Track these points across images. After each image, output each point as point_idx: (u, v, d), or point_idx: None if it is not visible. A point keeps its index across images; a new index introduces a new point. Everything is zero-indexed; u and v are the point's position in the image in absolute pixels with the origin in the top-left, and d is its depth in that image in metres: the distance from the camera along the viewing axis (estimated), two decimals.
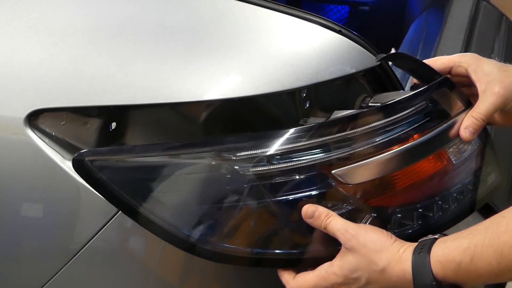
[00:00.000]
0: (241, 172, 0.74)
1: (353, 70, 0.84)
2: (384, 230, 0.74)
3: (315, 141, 0.75)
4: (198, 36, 0.82)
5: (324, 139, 0.75)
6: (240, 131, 0.85)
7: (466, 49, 1.39)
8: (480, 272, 0.67)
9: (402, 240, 0.73)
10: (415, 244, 0.72)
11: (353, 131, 0.75)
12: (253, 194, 0.75)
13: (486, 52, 1.44)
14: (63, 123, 0.79)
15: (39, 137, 0.77)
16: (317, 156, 0.75)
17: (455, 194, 0.83)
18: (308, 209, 0.75)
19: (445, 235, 0.73)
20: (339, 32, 0.84)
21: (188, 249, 0.77)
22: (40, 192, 0.79)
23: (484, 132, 0.85)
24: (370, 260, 0.72)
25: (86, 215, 0.78)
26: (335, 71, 0.82)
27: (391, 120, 0.77)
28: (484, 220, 0.68)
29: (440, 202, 0.81)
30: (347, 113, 0.78)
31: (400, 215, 0.79)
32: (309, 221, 0.75)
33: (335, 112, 0.80)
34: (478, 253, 0.66)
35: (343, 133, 0.75)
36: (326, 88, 0.87)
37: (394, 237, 0.74)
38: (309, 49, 0.82)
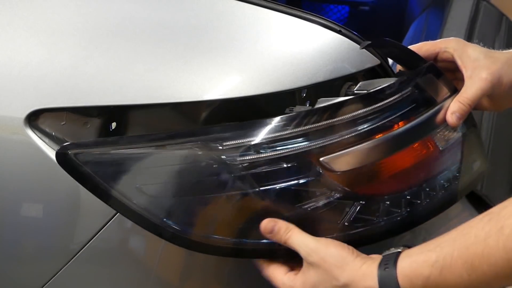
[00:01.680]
0: (228, 162, 0.73)
1: (353, 70, 0.84)
2: (345, 245, 0.72)
3: (302, 129, 0.74)
4: (198, 36, 0.82)
5: (311, 127, 0.74)
6: None
7: None
8: (449, 284, 0.65)
9: (364, 255, 0.72)
10: (378, 259, 0.70)
11: (340, 118, 0.75)
12: (240, 184, 0.74)
13: None
14: (63, 123, 0.79)
15: (39, 137, 0.77)
16: (305, 144, 0.74)
17: (442, 181, 0.83)
18: (267, 224, 0.73)
19: (409, 246, 0.71)
20: (339, 32, 0.84)
21: (173, 240, 0.76)
22: (40, 192, 0.79)
23: (469, 118, 0.85)
24: (332, 276, 0.70)
25: (86, 215, 0.78)
26: (335, 71, 0.82)
27: (377, 107, 0.76)
28: (450, 231, 0.67)
29: (427, 189, 0.81)
30: (333, 101, 0.78)
31: (388, 203, 0.78)
32: (268, 236, 0.73)
33: (320, 100, 0.80)
34: (447, 265, 0.64)
35: (330, 121, 0.74)
36: (326, 88, 0.87)
37: (356, 252, 0.72)
38: (309, 49, 0.82)
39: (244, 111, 0.86)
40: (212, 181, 0.75)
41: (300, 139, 0.74)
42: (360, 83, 0.85)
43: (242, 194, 0.75)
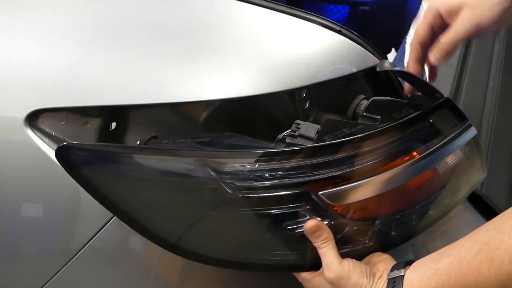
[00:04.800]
0: (227, 183, 0.73)
1: (353, 70, 0.84)
2: (364, 270, 0.75)
3: (304, 162, 0.73)
4: (198, 36, 0.82)
5: (314, 160, 0.73)
6: (240, 131, 0.85)
7: (466, 49, 1.39)
8: None
9: (376, 276, 0.74)
10: (384, 282, 0.74)
11: (344, 154, 0.74)
12: (236, 206, 0.74)
13: (486, 52, 1.44)
14: (63, 123, 0.79)
15: (39, 137, 0.77)
16: (305, 176, 0.73)
17: (437, 200, 0.82)
18: (312, 227, 0.75)
19: (412, 261, 0.74)
20: (339, 32, 0.84)
21: (165, 247, 0.77)
22: (40, 192, 0.79)
23: (474, 140, 0.85)
24: None
25: (86, 215, 0.78)
26: (335, 71, 0.82)
27: (386, 144, 0.75)
28: (443, 259, 0.70)
29: (420, 211, 0.81)
30: (337, 139, 0.77)
31: (379, 226, 0.78)
32: (308, 235, 0.75)
33: (328, 120, 0.80)
34: None
35: (334, 156, 0.74)
36: (326, 88, 0.87)
37: (370, 274, 0.74)
38: (309, 49, 0.82)
39: (244, 111, 0.86)
40: (208, 200, 0.75)
41: (301, 171, 0.73)
42: (371, 100, 0.84)
43: (235, 215, 0.75)
